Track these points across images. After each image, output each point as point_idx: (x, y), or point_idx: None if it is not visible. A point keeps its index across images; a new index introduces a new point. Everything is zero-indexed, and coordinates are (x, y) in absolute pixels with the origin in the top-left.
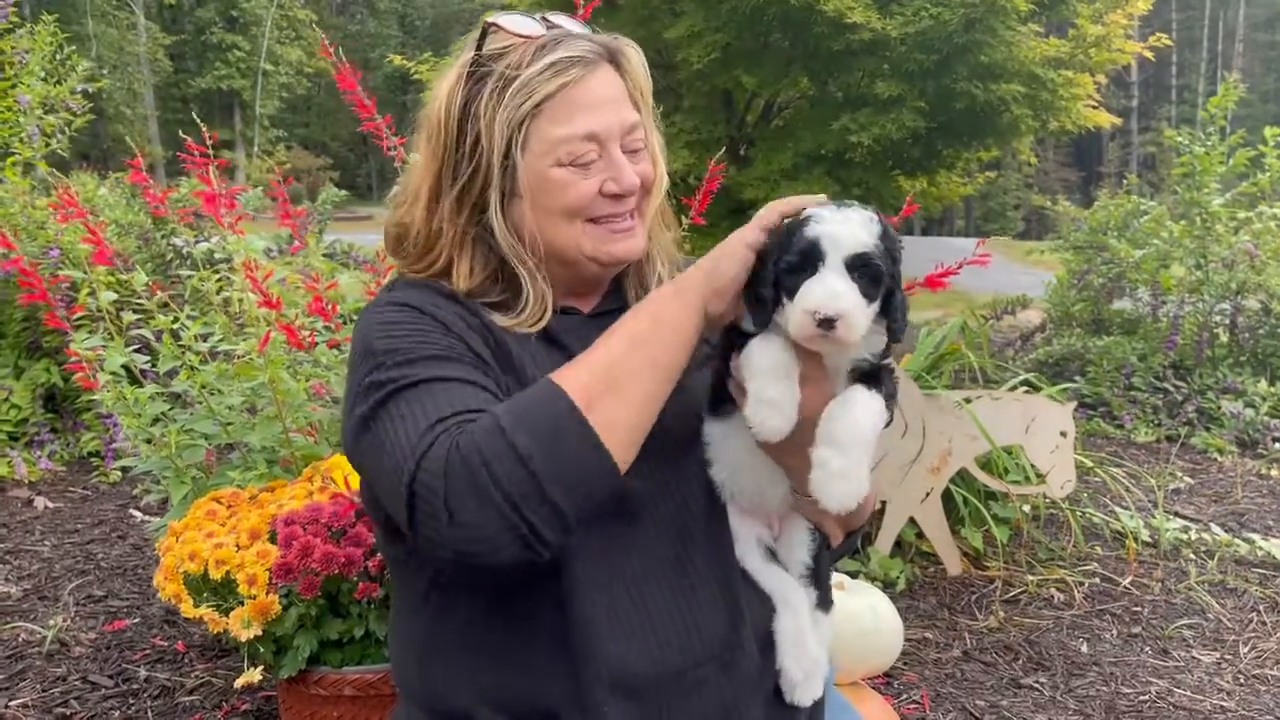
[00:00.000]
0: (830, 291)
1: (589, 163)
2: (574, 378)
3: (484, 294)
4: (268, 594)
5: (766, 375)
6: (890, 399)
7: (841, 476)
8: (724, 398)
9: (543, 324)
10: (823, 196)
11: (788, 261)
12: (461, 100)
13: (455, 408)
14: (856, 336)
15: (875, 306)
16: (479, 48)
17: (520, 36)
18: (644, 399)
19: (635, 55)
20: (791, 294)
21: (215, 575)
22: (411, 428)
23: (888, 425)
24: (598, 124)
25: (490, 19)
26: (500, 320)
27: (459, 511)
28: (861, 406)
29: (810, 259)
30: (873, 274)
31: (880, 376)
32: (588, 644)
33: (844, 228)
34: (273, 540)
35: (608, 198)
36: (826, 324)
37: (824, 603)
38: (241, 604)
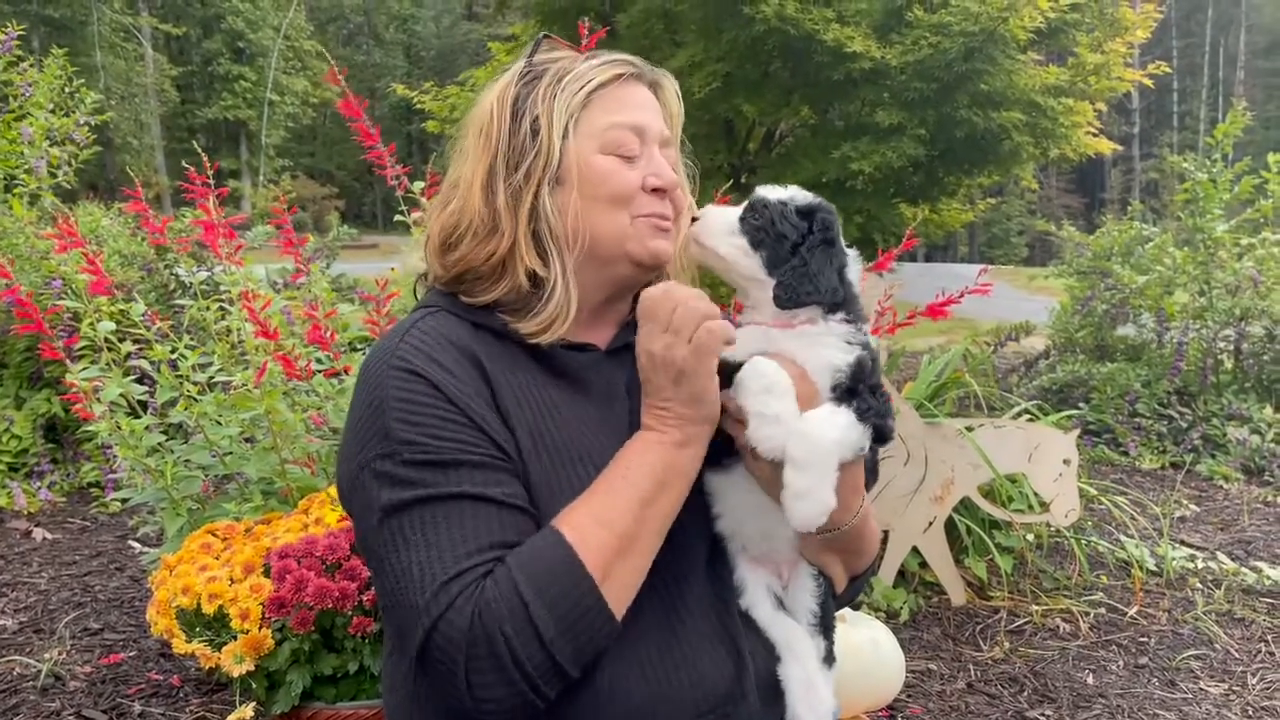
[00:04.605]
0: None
1: (632, 155)
2: (594, 542)
3: (525, 304)
4: (261, 629)
5: (765, 393)
6: (869, 414)
7: (798, 496)
8: (724, 450)
9: (550, 335)
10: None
11: None
12: (514, 96)
13: (478, 549)
14: (708, 240)
15: (754, 254)
16: (531, 56)
17: (573, 50)
18: (651, 552)
19: (671, 86)
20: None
21: (208, 609)
22: (432, 565)
23: (881, 444)
24: (643, 119)
25: (544, 34)
26: (517, 325)
27: (479, 686)
28: (817, 423)
29: None
30: (752, 214)
31: (858, 392)
32: (588, 699)
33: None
34: (267, 574)
35: (650, 194)
36: (692, 222)
37: (828, 657)
38: (234, 639)
